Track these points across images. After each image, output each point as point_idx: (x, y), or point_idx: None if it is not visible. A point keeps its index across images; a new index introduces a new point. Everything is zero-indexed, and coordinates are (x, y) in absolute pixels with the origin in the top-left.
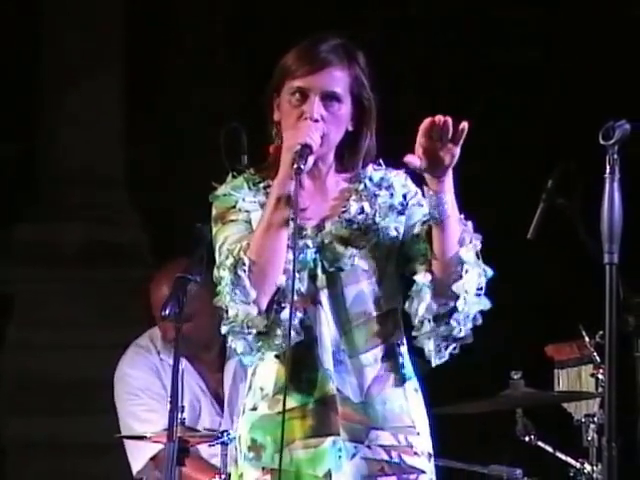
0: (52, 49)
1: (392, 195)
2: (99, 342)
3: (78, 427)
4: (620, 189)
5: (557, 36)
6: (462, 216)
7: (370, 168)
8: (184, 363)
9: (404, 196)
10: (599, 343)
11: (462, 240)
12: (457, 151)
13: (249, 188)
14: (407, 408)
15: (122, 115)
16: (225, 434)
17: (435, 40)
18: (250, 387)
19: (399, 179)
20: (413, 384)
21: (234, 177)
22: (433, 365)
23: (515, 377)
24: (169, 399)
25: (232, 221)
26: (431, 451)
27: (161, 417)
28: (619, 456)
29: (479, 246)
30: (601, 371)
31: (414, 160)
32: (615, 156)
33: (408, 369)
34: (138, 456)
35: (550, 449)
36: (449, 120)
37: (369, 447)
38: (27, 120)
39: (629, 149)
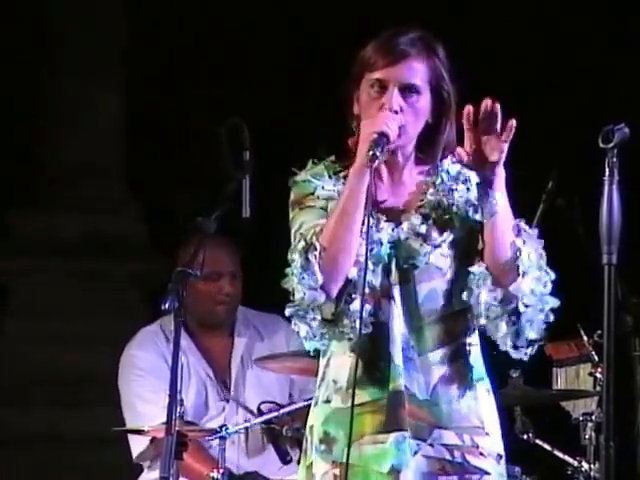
0: (54, 47)
1: (469, 189)
2: (98, 334)
3: (76, 419)
4: (619, 191)
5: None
6: (522, 221)
7: (448, 160)
8: (191, 348)
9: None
10: (597, 342)
11: (515, 242)
12: (505, 147)
13: (329, 176)
14: (476, 408)
15: (123, 107)
16: (224, 428)
17: None
18: (323, 378)
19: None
20: (485, 385)
21: (314, 164)
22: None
23: (514, 375)
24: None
25: (309, 207)
26: (502, 452)
27: (164, 399)
28: (617, 455)
29: (541, 250)
30: (599, 370)
31: (462, 154)
32: (614, 159)
33: (479, 370)
34: (138, 440)
35: (548, 447)
36: (496, 106)
37: (432, 445)
38: (29, 113)
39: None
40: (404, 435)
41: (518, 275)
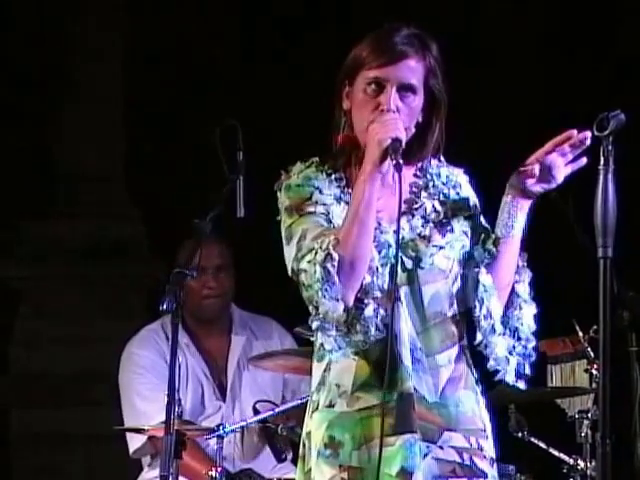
0: (55, 51)
1: (458, 194)
2: (99, 336)
3: (82, 418)
4: (614, 181)
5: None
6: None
7: (434, 163)
8: (190, 346)
9: (468, 199)
10: (593, 338)
11: (519, 268)
12: (561, 178)
13: (323, 180)
14: (479, 411)
15: (122, 113)
16: (221, 427)
17: None
18: (322, 383)
19: (463, 179)
20: (480, 388)
21: (306, 166)
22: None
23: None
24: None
25: (310, 213)
26: (494, 456)
27: (163, 397)
28: (613, 453)
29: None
30: (595, 366)
31: (529, 173)
32: (609, 147)
33: (475, 372)
34: (135, 436)
35: (543, 445)
36: (589, 136)
37: (441, 448)
38: (30, 121)
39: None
40: (415, 437)
41: (511, 303)
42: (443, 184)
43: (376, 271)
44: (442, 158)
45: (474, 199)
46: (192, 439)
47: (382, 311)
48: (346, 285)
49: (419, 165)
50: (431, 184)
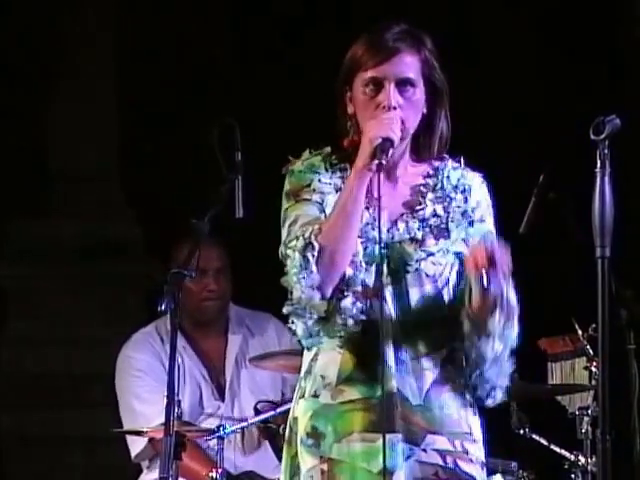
0: (53, 50)
1: (466, 200)
2: (97, 337)
3: (76, 420)
4: (611, 183)
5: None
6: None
7: (449, 165)
8: (187, 348)
9: (475, 207)
10: (592, 336)
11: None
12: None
13: (326, 169)
14: (465, 415)
15: (120, 113)
16: (221, 428)
17: None
18: (309, 372)
19: (476, 184)
20: (471, 391)
21: (312, 154)
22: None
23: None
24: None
25: (305, 200)
26: (484, 460)
27: (161, 399)
28: (613, 448)
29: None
30: (594, 364)
31: None
32: (605, 151)
33: (466, 376)
34: (136, 440)
35: (545, 442)
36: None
37: (424, 451)
38: (27, 121)
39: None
40: (398, 437)
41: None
42: (453, 188)
43: (359, 266)
44: (462, 161)
45: (484, 206)
46: (192, 440)
47: (359, 304)
48: (324, 276)
49: (435, 164)
50: (439, 186)
